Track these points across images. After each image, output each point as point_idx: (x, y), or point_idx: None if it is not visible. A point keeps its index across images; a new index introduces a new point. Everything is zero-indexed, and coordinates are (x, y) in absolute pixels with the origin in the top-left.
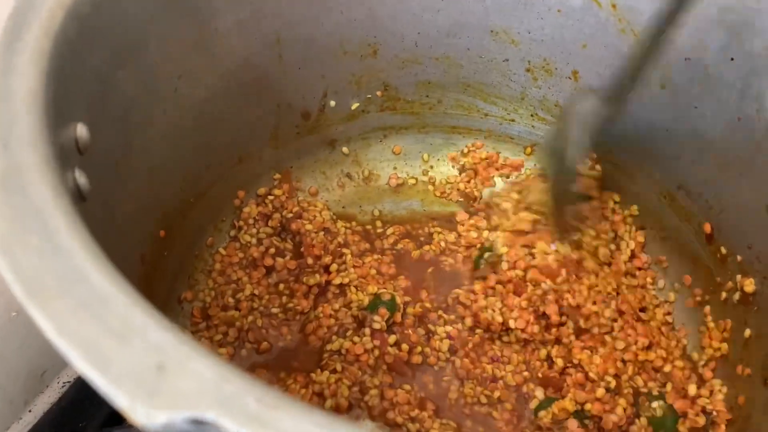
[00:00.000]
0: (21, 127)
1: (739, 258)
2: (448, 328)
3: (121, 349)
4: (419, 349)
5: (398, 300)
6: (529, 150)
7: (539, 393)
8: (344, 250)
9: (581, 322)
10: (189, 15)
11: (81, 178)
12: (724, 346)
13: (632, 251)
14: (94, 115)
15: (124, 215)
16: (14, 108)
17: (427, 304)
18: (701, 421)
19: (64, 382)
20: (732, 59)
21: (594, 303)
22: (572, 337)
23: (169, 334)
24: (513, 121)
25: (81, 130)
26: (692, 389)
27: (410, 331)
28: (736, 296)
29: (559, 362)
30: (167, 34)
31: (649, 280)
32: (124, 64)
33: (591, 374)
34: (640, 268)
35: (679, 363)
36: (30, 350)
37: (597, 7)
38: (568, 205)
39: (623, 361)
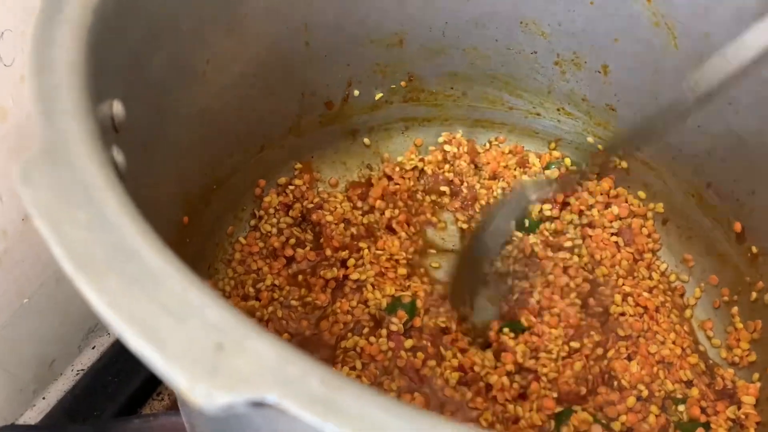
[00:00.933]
0: (63, 99)
1: None
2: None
3: (177, 328)
4: (432, 363)
5: (419, 304)
6: (553, 145)
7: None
8: (361, 244)
9: (619, 331)
10: None
11: (119, 156)
12: (753, 346)
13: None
14: (128, 93)
15: (151, 199)
16: (56, 80)
17: (449, 323)
18: (729, 424)
19: (78, 371)
20: None
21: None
22: (612, 350)
23: (226, 313)
24: (539, 115)
25: (117, 108)
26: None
27: (427, 342)
28: (767, 297)
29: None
30: (199, 17)
31: (673, 278)
32: (157, 44)
33: (623, 382)
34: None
35: (702, 365)
36: (40, 339)
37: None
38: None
39: (657, 363)
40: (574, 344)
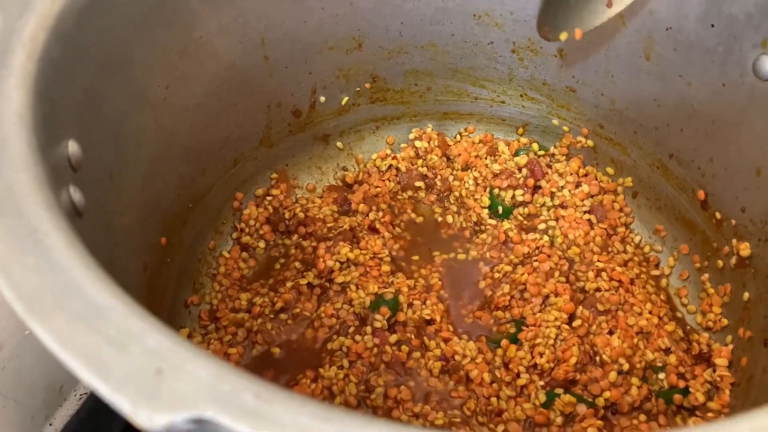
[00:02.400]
0: (11, 151)
1: (733, 222)
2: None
3: (120, 357)
4: (417, 354)
5: (401, 299)
6: (521, 130)
7: (542, 396)
8: (345, 246)
9: (598, 306)
10: (171, 24)
11: (76, 195)
12: (725, 310)
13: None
14: (85, 130)
15: (123, 226)
16: (3, 132)
17: (434, 315)
18: (706, 387)
19: (81, 394)
20: (712, 26)
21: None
22: (594, 326)
23: (165, 339)
24: (503, 102)
25: (72, 147)
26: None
27: (411, 335)
28: (733, 260)
29: (572, 360)
30: (151, 45)
31: (647, 250)
32: (112, 78)
33: (605, 357)
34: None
35: (680, 331)
36: (47, 366)
37: None
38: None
39: (637, 335)
40: (575, 323)
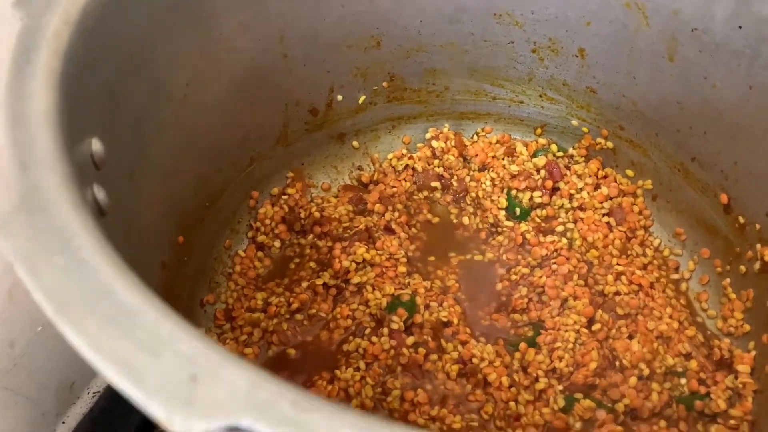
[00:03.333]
0: (38, 149)
1: (757, 227)
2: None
3: (153, 362)
4: (434, 357)
5: (418, 301)
6: (539, 131)
7: (561, 401)
8: (361, 246)
9: (618, 310)
10: (192, 22)
11: (99, 194)
12: (747, 316)
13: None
14: (107, 128)
15: (143, 225)
16: (30, 131)
17: (451, 317)
18: (728, 394)
19: (94, 392)
20: (740, 27)
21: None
22: (613, 330)
23: (199, 344)
24: (522, 103)
25: (96, 145)
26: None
27: (428, 337)
28: (757, 266)
29: (593, 365)
30: (172, 42)
31: (667, 253)
32: (133, 75)
33: (625, 362)
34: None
35: (700, 336)
36: (58, 363)
37: None
38: None
39: (657, 339)
40: (595, 327)
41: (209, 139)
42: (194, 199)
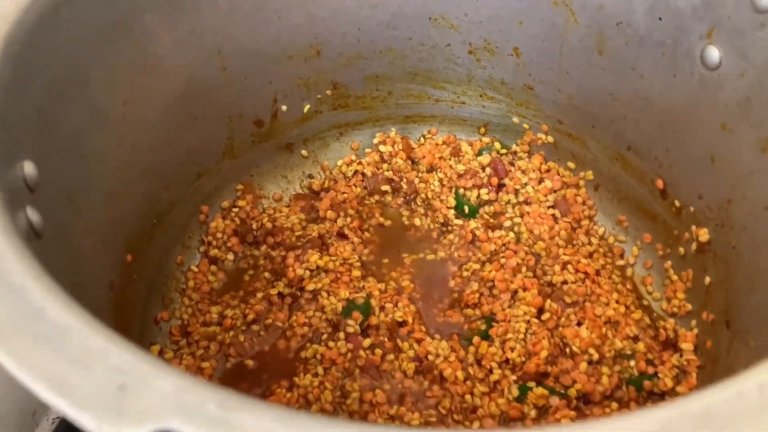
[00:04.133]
0: None
1: (692, 209)
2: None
3: (83, 375)
4: (391, 357)
5: (373, 303)
6: (482, 130)
7: (515, 390)
8: (314, 253)
9: (566, 298)
10: (125, 41)
11: (34, 216)
12: (688, 295)
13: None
14: (41, 151)
15: (86, 245)
16: None
17: (406, 317)
18: (674, 372)
19: (53, 419)
20: (660, 19)
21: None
22: (563, 318)
23: (129, 356)
24: (464, 103)
25: (29, 168)
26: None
27: (384, 338)
28: (694, 246)
29: (544, 353)
30: (106, 63)
31: (611, 240)
32: (67, 97)
33: (575, 348)
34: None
35: (647, 319)
36: (19, 392)
37: None
38: None
39: (605, 324)
40: (544, 317)
41: (152, 157)
42: (141, 218)
